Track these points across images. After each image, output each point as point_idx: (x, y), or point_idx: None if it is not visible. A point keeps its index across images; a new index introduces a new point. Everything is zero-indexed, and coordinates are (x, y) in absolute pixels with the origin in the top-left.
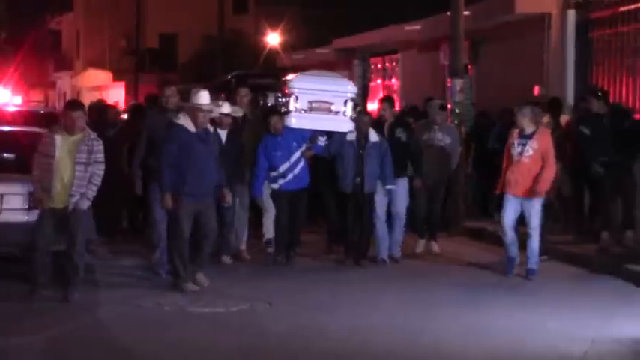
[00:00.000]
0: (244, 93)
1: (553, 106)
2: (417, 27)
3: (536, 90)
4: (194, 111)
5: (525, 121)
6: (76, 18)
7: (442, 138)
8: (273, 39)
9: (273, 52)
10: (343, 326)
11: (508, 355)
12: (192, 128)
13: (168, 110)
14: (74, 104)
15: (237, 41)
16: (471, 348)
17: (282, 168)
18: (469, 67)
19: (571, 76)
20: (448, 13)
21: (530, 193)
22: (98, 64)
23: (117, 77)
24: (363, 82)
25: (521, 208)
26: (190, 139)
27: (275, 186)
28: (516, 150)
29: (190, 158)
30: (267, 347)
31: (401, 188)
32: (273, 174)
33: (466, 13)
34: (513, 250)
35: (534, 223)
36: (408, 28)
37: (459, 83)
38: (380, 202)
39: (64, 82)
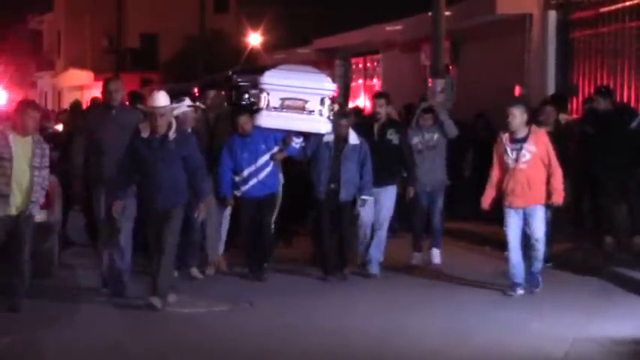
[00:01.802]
0: (212, 95)
1: (557, 103)
2: (399, 27)
3: (517, 90)
4: (149, 115)
5: (517, 122)
6: (56, 18)
7: (430, 137)
8: (254, 39)
9: (254, 52)
10: (323, 327)
11: (490, 355)
12: (145, 133)
13: (113, 107)
14: (32, 104)
15: (218, 41)
16: (453, 348)
17: (247, 172)
18: (450, 67)
19: (552, 77)
20: (429, 14)
21: (532, 202)
22: (79, 64)
23: (98, 77)
24: (344, 81)
25: (522, 220)
26: (141, 145)
27: (237, 193)
28: (510, 156)
29: (141, 166)
30: (247, 348)
31: (387, 196)
32: (236, 178)
33: (447, 13)
34: (519, 274)
35: (539, 233)
36: (389, 28)
37: (440, 84)
38: (366, 210)
39: (45, 82)
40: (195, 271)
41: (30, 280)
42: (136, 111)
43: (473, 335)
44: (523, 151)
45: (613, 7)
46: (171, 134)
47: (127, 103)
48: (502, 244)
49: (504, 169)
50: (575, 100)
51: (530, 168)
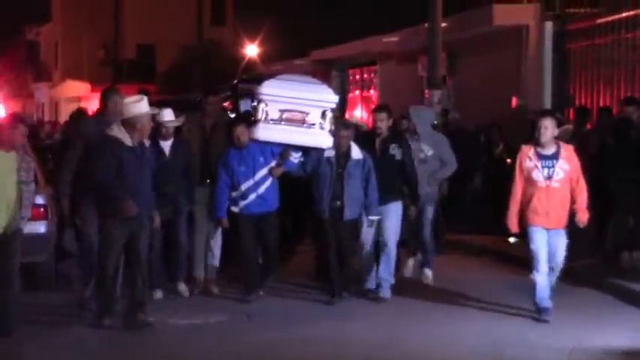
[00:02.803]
0: (212, 101)
1: (580, 115)
2: (395, 38)
3: (514, 101)
4: (133, 122)
5: (549, 135)
6: (54, 29)
7: (420, 149)
8: (251, 50)
9: (251, 63)
10: (320, 338)
11: None
12: (127, 141)
13: (109, 117)
14: (17, 118)
15: (215, 52)
16: (449, 358)
17: (245, 186)
18: (447, 78)
19: (548, 88)
20: (426, 25)
21: (561, 224)
22: (76, 75)
23: (95, 88)
24: (341, 93)
25: (547, 240)
26: (124, 153)
27: (235, 209)
28: (541, 173)
29: (123, 174)
30: (243, 358)
31: (392, 214)
32: (234, 194)
33: (444, 24)
34: (547, 296)
35: (561, 257)
36: (386, 39)
37: (436, 94)
38: (365, 231)
39: (42, 92)
40: (182, 287)
41: (21, 292)
42: None
43: (469, 344)
44: (556, 169)
45: (609, 19)
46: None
47: None
48: (502, 256)
49: (531, 187)
50: (571, 110)
51: (563, 187)
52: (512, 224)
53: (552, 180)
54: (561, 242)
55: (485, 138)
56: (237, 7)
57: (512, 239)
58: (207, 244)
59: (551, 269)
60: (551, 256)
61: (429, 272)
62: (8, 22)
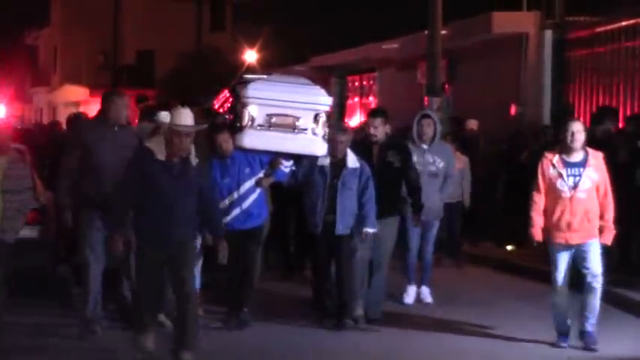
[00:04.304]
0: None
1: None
2: (395, 45)
3: (513, 109)
4: (169, 133)
5: (581, 141)
6: (53, 33)
7: (432, 162)
8: (250, 56)
9: (250, 69)
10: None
11: None
12: (161, 155)
13: (114, 124)
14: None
15: (214, 58)
16: None
17: (228, 200)
18: (446, 85)
19: (548, 96)
20: (426, 32)
21: (590, 237)
22: (75, 80)
23: (94, 93)
24: (340, 100)
25: (572, 258)
26: (156, 170)
27: None
28: (566, 183)
29: (154, 194)
30: None
31: (388, 232)
32: None
33: (443, 32)
34: (567, 320)
35: (596, 269)
36: (385, 46)
37: (436, 102)
38: (365, 246)
39: (41, 97)
40: (162, 318)
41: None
42: (133, 129)
43: (466, 352)
44: (583, 178)
45: (609, 27)
46: (193, 159)
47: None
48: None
49: (554, 197)
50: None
51: (589, 198)
52: (537, 234)
53: (578, 190)
54: (596, 254)
55: (509, 145)
56: (237, 13)
57: (509, 247)
58: None
59: (589, 286)
60: (588, 272)
61: (426, 290)
62: (7, 26)
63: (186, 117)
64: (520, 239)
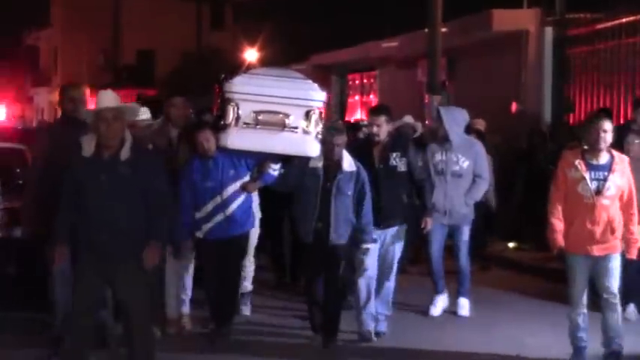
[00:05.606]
0: (178, 104)
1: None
2: (395, 44)
3: (514, 106)
4: (94, 121)
5: (608, 141)
6: (53, 34)
7: (455, 161)
8: (250, 54)
9: (251, 68)
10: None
11: None
12: (88, 151)
13: (80, 120)
14: None
15: (215, 57)
16: None
17: (211, 205)
18: (446, 83)
19: (548, 93)
20: (425, 30)
21: (612, 249)
22: (76, 80)
23: (94, 93)
24: (340, 98)
25: (589, 271)
26: (80, 168)
27: (199, 234)
28: (590, 187)
29: (82, 197)
30: None
31: (394, 241)
32: (198, 215)
33: (443, 29)
34: (584, 336)
35: (615, 285)
36: (385, 44)
37: (436, 100)
38: (370, 260)
39: (42, 97)
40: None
41: None
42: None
43: (465, 350)
44: (608, 183)
45: (609, 24)
46: (124, 153)
47: None
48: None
49: (574, 203)
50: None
51: (614, 205)
52: (558, 241)
53: (602, 196)
54: (616, 268)
55: (527, 144)
56: (237, 12)
57: (511, 244)
58: (179, 277)
59: (607, 302)
60: (605, 287)
61: (464, 302)
62: (8, 27)
63: (110, 99)
64: (536, 239)
